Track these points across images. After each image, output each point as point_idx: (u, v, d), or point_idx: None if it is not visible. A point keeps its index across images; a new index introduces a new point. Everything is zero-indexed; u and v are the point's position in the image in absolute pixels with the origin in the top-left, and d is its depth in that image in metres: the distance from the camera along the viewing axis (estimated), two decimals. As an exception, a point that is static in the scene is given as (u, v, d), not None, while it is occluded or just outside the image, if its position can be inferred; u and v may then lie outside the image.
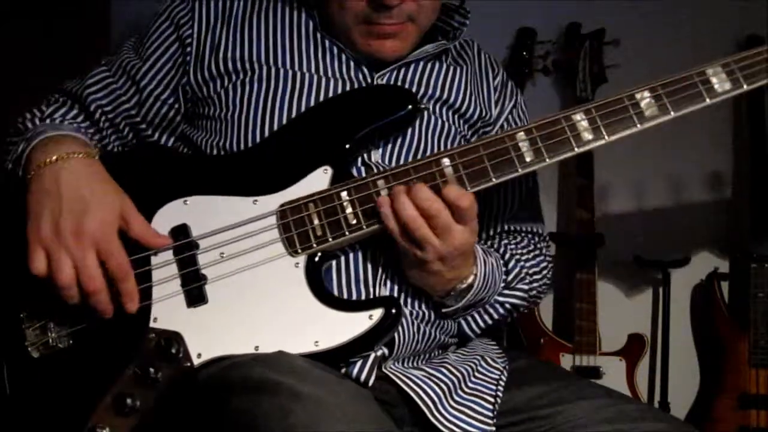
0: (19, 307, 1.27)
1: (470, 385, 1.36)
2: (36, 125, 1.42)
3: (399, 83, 1.45)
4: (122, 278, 1.23)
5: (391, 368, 1.32)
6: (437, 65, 1.50)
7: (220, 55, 1.42)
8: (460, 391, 1.34)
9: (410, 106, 1.36)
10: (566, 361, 2.67)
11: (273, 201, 1.29)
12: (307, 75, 1.41)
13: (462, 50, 1.57)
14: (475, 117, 1.52)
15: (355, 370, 1.25)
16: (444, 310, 1.37)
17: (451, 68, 1.52)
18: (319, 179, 1.30)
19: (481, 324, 1.45)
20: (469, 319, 1.44)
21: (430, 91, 1.47)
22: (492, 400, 1.34)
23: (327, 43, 1.45)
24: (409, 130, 1.42)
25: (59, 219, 1.21)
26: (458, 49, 1.56)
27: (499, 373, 1.40)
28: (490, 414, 1.32)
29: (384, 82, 1.44)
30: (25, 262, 1.21)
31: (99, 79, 1.49)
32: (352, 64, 1.44)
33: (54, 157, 1.27)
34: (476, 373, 1.39)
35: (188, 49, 1.44)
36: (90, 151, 1.33)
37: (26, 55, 2.49)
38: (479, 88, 1.56)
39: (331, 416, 1.03)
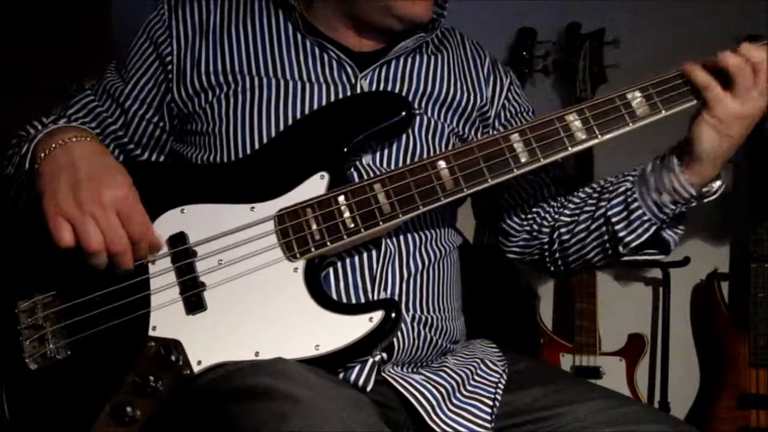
0: (17, 318, 1.27)
1: (469, 388, 1.36)
2: (38, 129, 1.43)
3: (381, 82, 1.45)
4: (140, 239, 1.24)
5: (390, 372, 1.32)
6: (418, 58, 1.50)
7: (202, 69, 1.42)
8: (458, 394, 1.34)
9: (404, 112, 1.36)
10: (566, 361, 2.68)
11: (270, 207, 1.29)
12: (290, 82, 1.41)
13: (444, 39, 1.57)
14: (464, 104, 1.52)
15: (353, 375, 1.25)
16: (706, 199, 1.37)
17: (432, 59, 1.52)
18: (315, 185, 1.30)
19: (681, 232, 1.45)
20: (682, 225, 1.44)
21: (414, 87, 1.47)
22: (491, 403, 1.34)
23: (308, 44, 1.45)
24: None
25: (79, 190, 1.22)
26: (439, 38, 1.55)
27: (498, 376, 1.40)
28: (489, 417, 1.32)
29: (367, 82, 1.44)
30: (49, 239, 1.21)
31: (84, 104, 1.50)
32: (334, 64, 1.44)
33: (65, 140, 1.28)
34: (475, 376, 1.39)
35: (169, 66, 1.44)
36: (96, 137, 1.35)
37: (27, 55, 2.50)
38: (466, 74, 1.56)
39: (328, 422, 1.03)
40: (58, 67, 2.37)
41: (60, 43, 2.54)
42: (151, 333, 1.24)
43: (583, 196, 1.50)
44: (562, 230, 1.49)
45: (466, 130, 1.52)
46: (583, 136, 1.31)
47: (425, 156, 1.40)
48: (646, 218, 1.38)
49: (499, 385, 1.38)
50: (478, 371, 1.40)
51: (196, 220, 1.29)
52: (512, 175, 1.31)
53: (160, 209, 1.30)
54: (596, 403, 1.31)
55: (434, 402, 1.30)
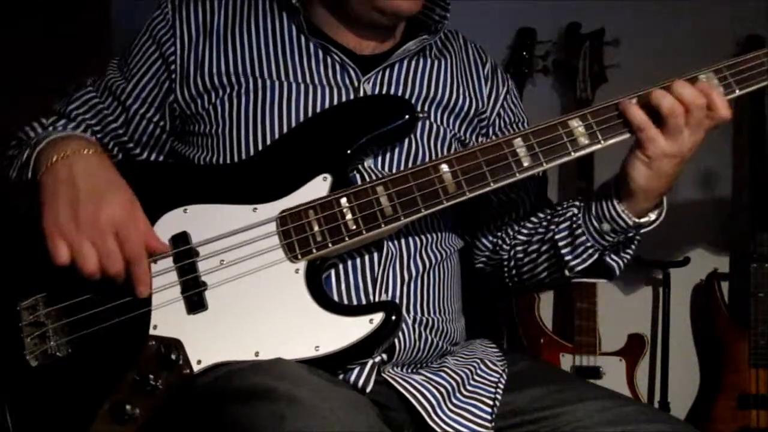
0: (18, 315, 1.28)
1: (469, 388, 1.36)
2: (38, 133, 1.43)
3: (384, 85, 1.46)
4: (136, 262, 1.24)
5: (390, 372, 1.32)
6: (421, 62, 1.51)
7: (205, 70, 1.42)
8: (458, 394, 1.35)
9: (408, 116, 1.37)
10: (566, 361, 2.68)
11: (273, 209, 1.29)
12: (294, 84, 1.41)
13: (447, 41, 1.57)
14: (466, 109, 1.53)
15: (353, 376, 1.25)
16: (644, 230, 1.39)
17: (436, 62, 1.52)
18: (318, 187, 1.31)
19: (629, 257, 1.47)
20: (629, 250, 1.46)
21: (416, 91, 1.48)
22: (491, 402, 1.34)
23: (311, 47, 1.45)
24: None
25: (78, 207, 1.22)
26: (443, 40, 1.56)
27: (498, 375, 1.40)
28: (489, 417, 1.32)
29: (370, 85, 1.44)
30: (46, 254, 1.22)
31: (85, 100, 1.49)
32: (338, 67, 1.44)
33: (66, 153, 1.28)
34: (475, 376, 1.39)
35: (172, 66, 1.44)
36: (99, 148, 1.34)
37: (27, 56, 2.50)
38: (468, 78, 1.56)
39: (327, 422, 1.03)
40: (58, 67, 2.36)
41: (60, 43, 2.53)
42: (151, 332, 1.24)
43: (538, 218, 1.53)
44: (518, 248, 1.53)
45: (468, 134, 1.53)
46: (586, 141, 1.32)
47: (427, 160, 1.40)
48: (589, 244, 1.41)
49: (499, 384, 1.38)
50: (478, 371, 1.40)
51: (199, 220, 1.29)
52: (515, 179, 1.31)
53: (163, 209, 1.30)
54: (596, 403, 1.31)
55: (434, 402, 1.30)
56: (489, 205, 1.56)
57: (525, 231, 1.53)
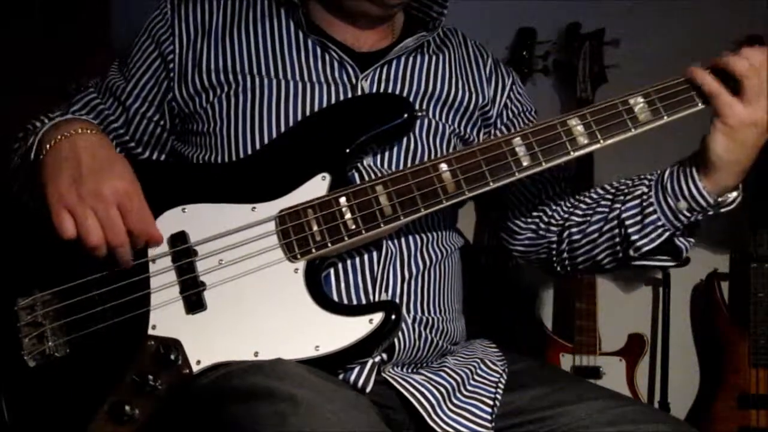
0: (16, 315, 1.27)
1: (469, 387, 1.36)
2: (44, 123, 1.43)
3: (382, 82, 1.46)
4: (138, 234, 1.25)
5: (390, 372, 1.32)
6: (419, 58, 1.51)
7: (203, 68, 1.42)
8: (458, 394, 1.35)
9: (406, 114, 1.37)
10: (566, 361, 2.68)
11: (271, 208, 1.29)
12: (291, 82, 1.41)
13: (446, 38, 1.57)
14: (465, 103, 1.52)
15: (353, 376, 1.25)
16: (723, 209, 1.37)
17: (434, 58, 1.52)
18: (317, 186, 1.31)
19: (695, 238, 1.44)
20: (696, 230, 1.42)
21: (415, 87, 1.48)
22: (491, 402, 1.34)
23: (310, 44, 1.45)
24: None
25: (80, 182, 1.23)
26: (441, 37, 1.56)
27: (498, 375, 1.41)
28: (489, 417, 1.32)
29: (368, 82, 1.44)
30: (52, 230, 1.22)
31: (86, 101, 1.50)
32: (336, 64, 1.44)
33: (69, 132, 1.29)
34: (475, 376, 1.39)
35: (171, 65, 1.44)
36: (100, 130, 1.36)
37: (27, 56, 2.50)
38: (468, 72, 1.56)
39: (327, 423, 1.03)
40: (57, 67, 2.37)
41: (60, 43, 2.54)
42: (150, 332, 1.24)
43: (596, 196, 1.49)
44: (573, 230, 1.48)
45: (468, 130, 1.52)
46: (585, 141, 1.31)
47: (426, 157, 1.41)
48: (660, 223, 1.37)
49: (500, 384, 1.38)
50: (478, 371, 1.40)
51: (197, 219, 1.29)
52: (514, 179, 1.31)
53: (162, 208, 1.30)
54: (596, 403, 1.31)
55: (434, 402, 1.30)
56: (525, 187, 1.52)
57: (580, 211, 1.49)
